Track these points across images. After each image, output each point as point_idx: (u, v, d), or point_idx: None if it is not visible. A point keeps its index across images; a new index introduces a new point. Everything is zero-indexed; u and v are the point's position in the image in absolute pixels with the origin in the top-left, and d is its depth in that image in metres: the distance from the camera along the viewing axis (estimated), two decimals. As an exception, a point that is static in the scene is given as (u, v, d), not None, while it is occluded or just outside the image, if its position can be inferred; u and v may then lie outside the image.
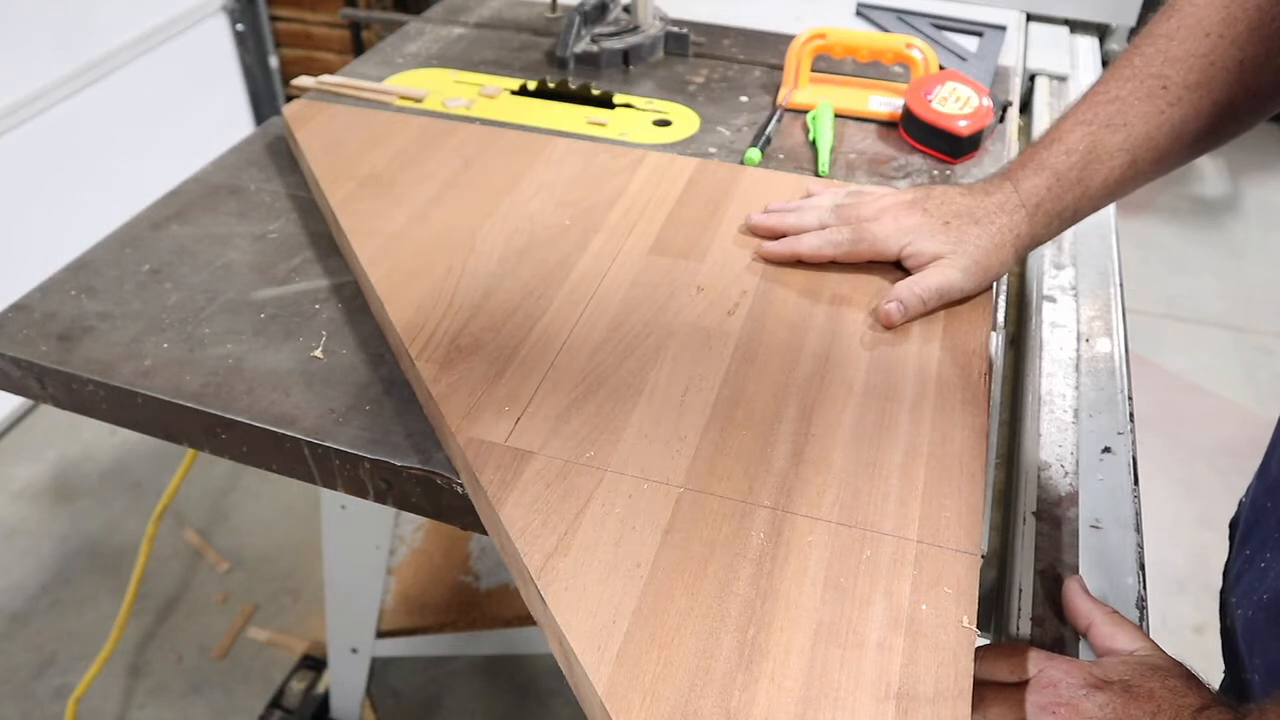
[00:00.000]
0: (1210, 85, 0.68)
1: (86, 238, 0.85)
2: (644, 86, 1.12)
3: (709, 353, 0.70)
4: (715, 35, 1.25)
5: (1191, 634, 1.75)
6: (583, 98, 1.08)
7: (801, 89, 1.08)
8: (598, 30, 1.17)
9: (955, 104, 0.98)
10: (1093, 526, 0.66)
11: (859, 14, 1.35)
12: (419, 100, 1.06)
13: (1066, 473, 0.71)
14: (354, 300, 0.78)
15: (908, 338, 0.72)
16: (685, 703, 0.47)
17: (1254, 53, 0.67)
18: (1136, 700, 0.50)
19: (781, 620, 0.51)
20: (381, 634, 1.44)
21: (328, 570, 1.31)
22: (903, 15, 1.32)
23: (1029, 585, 0.62)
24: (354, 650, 1.42)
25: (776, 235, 0.80)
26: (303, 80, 1.08)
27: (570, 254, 0.80)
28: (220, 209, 0.89)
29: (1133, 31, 1.38)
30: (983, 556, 0.56)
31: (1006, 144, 1.02)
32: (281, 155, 0.98)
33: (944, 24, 1.30)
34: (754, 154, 0.96)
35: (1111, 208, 1.00)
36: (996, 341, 0.73)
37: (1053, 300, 0.88)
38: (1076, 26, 1.39)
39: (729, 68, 1.17)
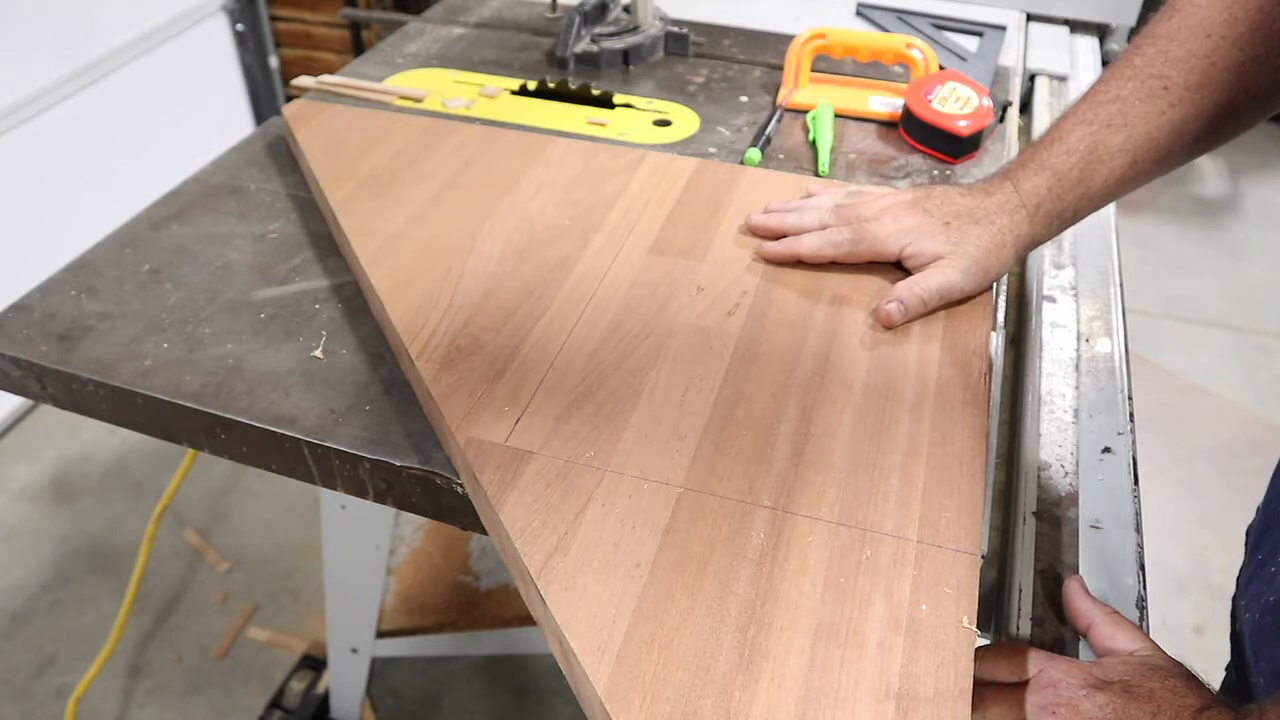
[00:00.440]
0: (1211, 86, 0.68)
1: (86, 238, 0.85)
2: (644, 86, 1.12)
3: (709, 353, 0.70)
4: (715, 35, 1.25)
5: (1191, 634, 1.75)
6: (583, 98, 1.08)
7: (801, 89, 1.08)
8: (598, 30, 1.17)
9: (955, 104, 0.98)
10: (1093, 526, 0.66)
11: (859, 14, 1.35)
12: (419, 100, 1.06)
13: (1066, 473, 0.71)
14: (354, 300, 0.78)
15: (908, 338, 0.72)
16: (685, 703, 0.47)
17: (1255, 53, 0.67)
18: (1137, 700, 0.50)
19: (781, 620, 0.51)
20: (381, 634, 1.44)
21: (328, 570, 1.31)
22: (903, 15, 1.32)
23: (1029, 585, 0.62)
24: (354, 650, 1.42)
25: (777, 235, 0.80)
26: (303, 80, 1.08)
27: (570, 254, 0.80)
28: (220, 209, 0.89)
29: (1133, 31, 1.38)
30: (983, 556, 0.56)
31: (1006, 144, 1.02)
32: (281, 155, 0.98)
33: (944, 24, 1.30)
34: (754, 154, 0.96)
35: (1111, 207, 1.00)
36: (996, 341, 0.73)
37: (1053, 300, 0.88)
38: (1076, 26, 1.39)
39: (729, 68, 1.17)
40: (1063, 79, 1.25)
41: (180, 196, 0.91)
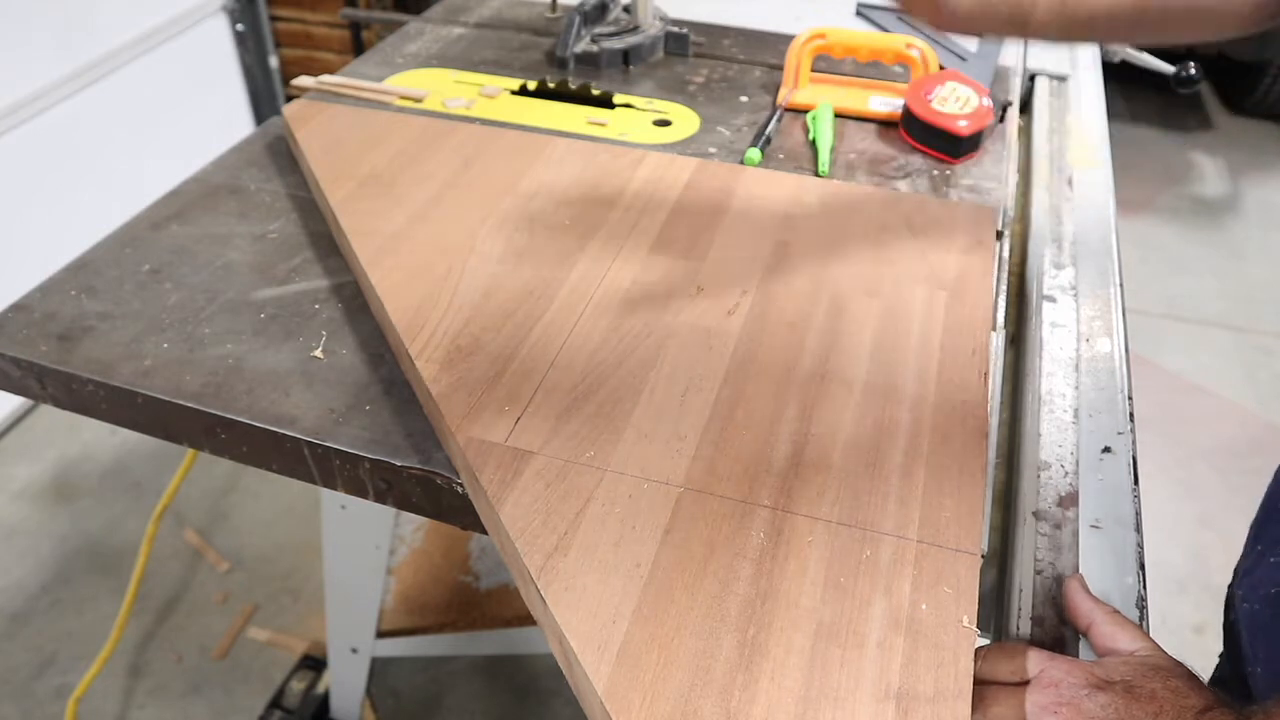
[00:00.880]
0: None
1: (86, 238, 0.84)
2: (644, 86, 1.12)
3: (709, 353, 0.70)
4: (715, 35, 1.25)
5: (1191, 634, 1.75)
6: (583, 98, 1.08)
7: (801, 89, 1.08)
8: (598, 30, 1.17)
9: (955, 104, 0.98)
10: (1093, 526, 0.66)
11: (859, 14, 1.35)
12: (419, 100, 1.06)
13: (1066, 473, 0.70)
14: (354, 300, 0.78)
15: (908, 338, 0.72)
16: (685, 702, 0.47)
17: None
18: (1138, 701, 0.50)
19: (781, 620, 0.51)
20: (381, 634, 1.44)
21: (328, 570, 1.31)
22: (903, 15, 1.32)
23: (1029, 585, 0.62)
24: (354, 650, 1.42)
25: None
26: (303, 80, 1.08)
27: (570, 254, 0.80)
28: (220, 209, 0.89)
29: (1133, 31, 1.38)
30: (983, 556, 0.56)
31: (1006, 144, 1.02)
32: (281, 155, 0.98)
33: (944, 24, 1.30)
34: (754, 154, 0.96)
35: (1111, 207, 1.00)
36: (996, 341, 0.73)
37: (1053, 300, 0.88)
38: (1076, 26, 1.39)
39: (729, 68, 1.17)
40: (1063, 79, 1.25)
41: (180, 196, 0.91)
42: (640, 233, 0.82)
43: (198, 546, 1.86)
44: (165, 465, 2.01)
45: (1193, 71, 1.31)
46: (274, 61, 2.57)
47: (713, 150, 0.99)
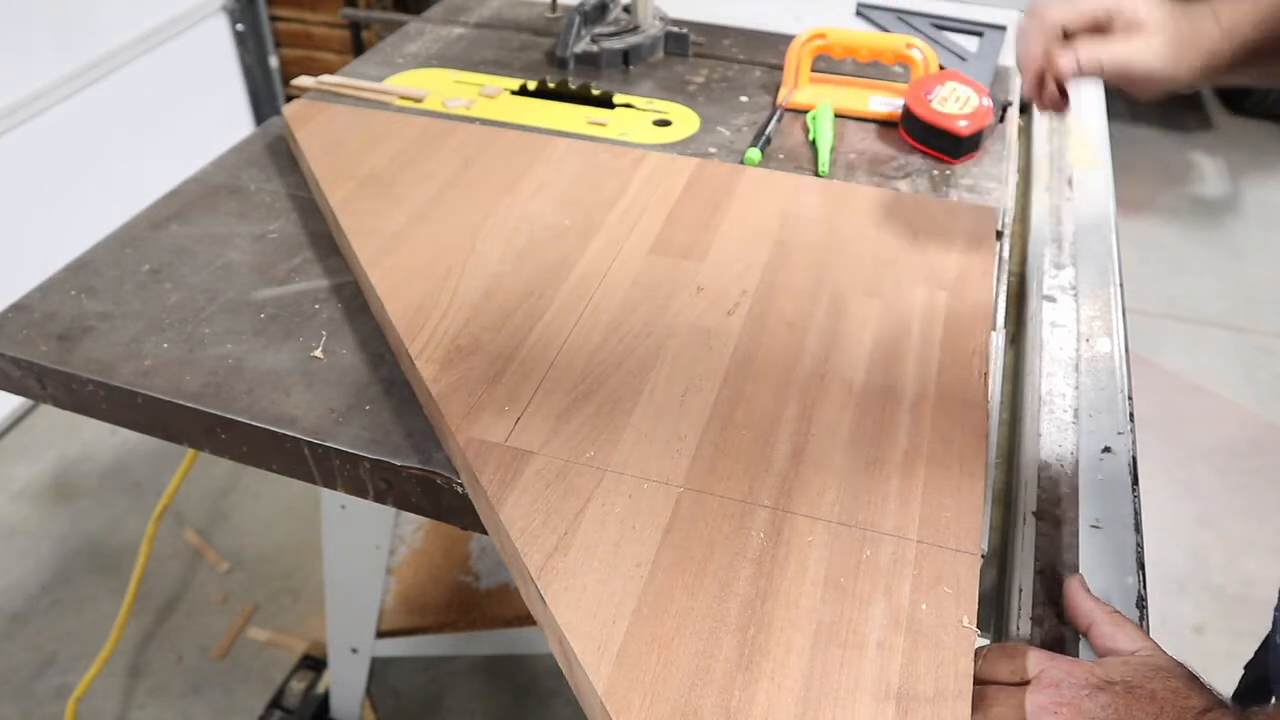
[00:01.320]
0: None
1: (86, 238, 0.84)
2: (644, 86, 1.12)
3: (709, 353, 0.70)
4: (715, 35, 1.25)
5: (1191, 634, 1.75)
6: (583, 98, 1.08)
7: (801, 89, 1.08)
8: (598, 30, 1.17)
9: (955, 104, 0.98)
10: (1093, 526, 0.66)
11: (859, 14, 1.35)
12: (419, 100, 1.06)
13: (1067, 473, 0.70)
14: (354, 300, 0.78)
15: (908, 338, 0.72)
16: (685, 702, 0.47)
17: None
18: (1139, 701, 0.50)
19: (781, 620, 0.51)
20: (381, 634, 1.44)
21: (328, 570, 1.31)
22: (903, 15, 1.32)
23: (1029, 585, 0.62)
24: (354, 650, 1.42)
25: None
26: (303, 80, 1.08)
27: (570, 254, 0.80)
28: (220, 209, 0.89)
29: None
30: (983, 556, 0.56)
31: (1006, 144, 1.02)
32: (281, 155, 0.98)
33: (944, 24, 1.30)
34: (754, 154, 0.96)
35: (1111, 207, 1.00)
36: (996, 341, 0.73)
37: (1053, 300, 0.88)
38: (1076, 26, 1.39)
39: (729, 68, 1.17)
40: (1063, 79, 1.24)
41: (180, 196, 0.91)
42: (640, 233, 0.82)
43: (198, 546, 1.86)
44: (165, 465, 2.01)
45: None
46: (274, 61, 2.57)
47: (713, 150, 0.99)
